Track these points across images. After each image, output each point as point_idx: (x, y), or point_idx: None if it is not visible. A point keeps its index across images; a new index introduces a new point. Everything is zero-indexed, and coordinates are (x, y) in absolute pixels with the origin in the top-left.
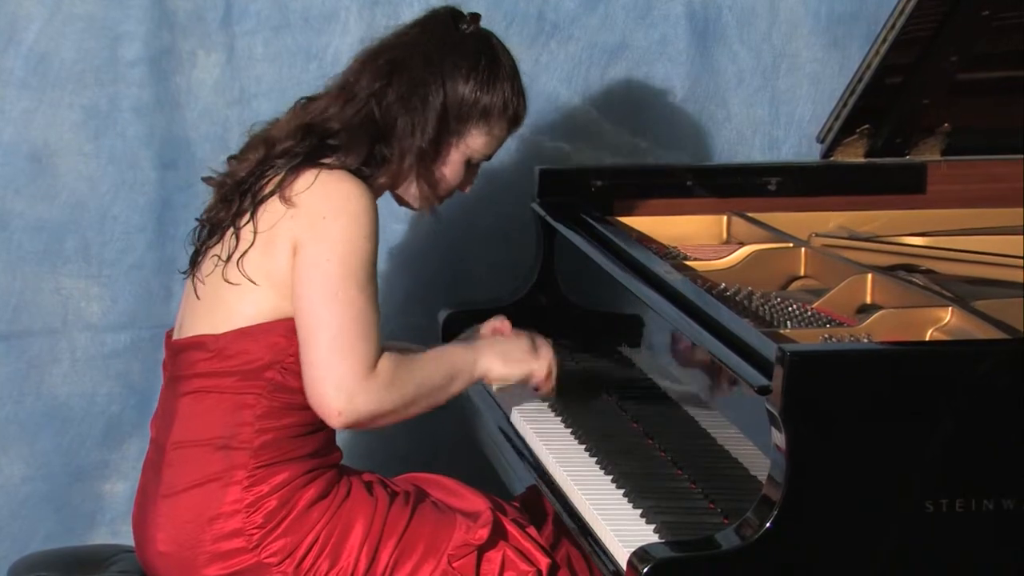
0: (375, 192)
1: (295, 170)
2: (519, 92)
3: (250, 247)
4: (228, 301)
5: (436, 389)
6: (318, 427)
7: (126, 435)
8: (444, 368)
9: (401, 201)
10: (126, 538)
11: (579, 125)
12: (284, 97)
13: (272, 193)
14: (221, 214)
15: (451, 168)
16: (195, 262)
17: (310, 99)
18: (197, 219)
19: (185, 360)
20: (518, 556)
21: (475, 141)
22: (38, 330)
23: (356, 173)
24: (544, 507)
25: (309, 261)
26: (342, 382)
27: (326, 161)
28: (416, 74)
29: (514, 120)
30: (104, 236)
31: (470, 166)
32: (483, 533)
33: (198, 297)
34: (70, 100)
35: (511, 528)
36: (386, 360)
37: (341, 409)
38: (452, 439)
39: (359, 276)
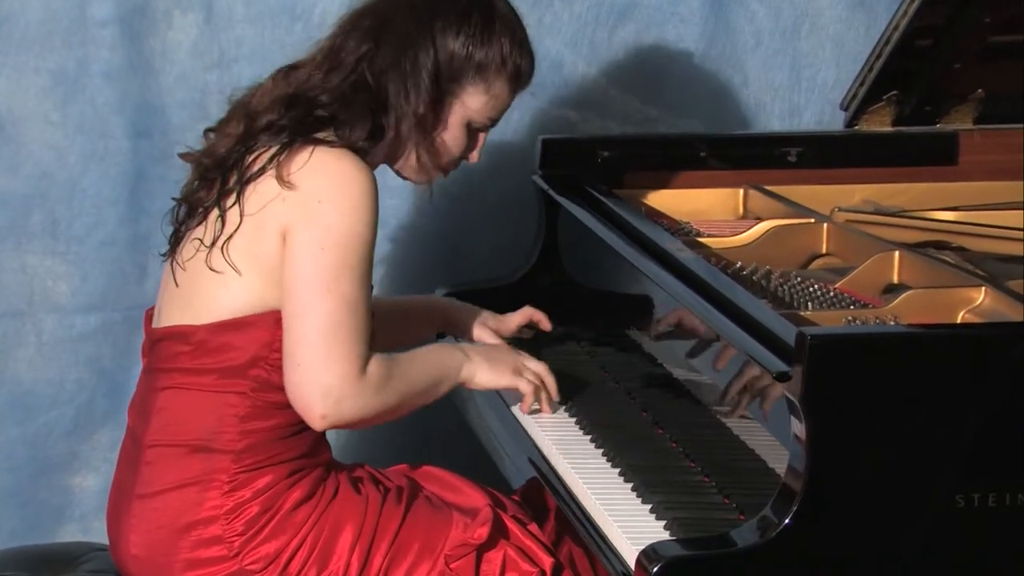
0: (372, 168)
1: (287, 146)
2: (520, 46)
3: (236, 231)
4: (209, 290)
5: (423, 392)
6: (306, 426)
7: (97, 425)
8: (432, 370)
9: (401, 174)
10: (97, 535)
11: (585, 91)
12: (267, 60)
13: (261, 172)
14: (201, 193)
15: (451, 133)
16: (174, 245)
17: (292, 67)
18: (175, 198)
19: (164, 351)
20: (520, 556)
21: (473, 101)
22: (1, 312)
23: (354, 149)
24: (546, 502)
25: (302, 249)
26: (331, 386)
27: (322, 136)
28: (404, 33)
29: (515, 77)
30: (73, 210)
31: (473, 131)
32: (482, 532)
33: (177, 284)
34: (36, 64)
35: (512, 526)
36: (377, 363)
37: (325, 413)
38: (447, 428)
39: (356, 268)
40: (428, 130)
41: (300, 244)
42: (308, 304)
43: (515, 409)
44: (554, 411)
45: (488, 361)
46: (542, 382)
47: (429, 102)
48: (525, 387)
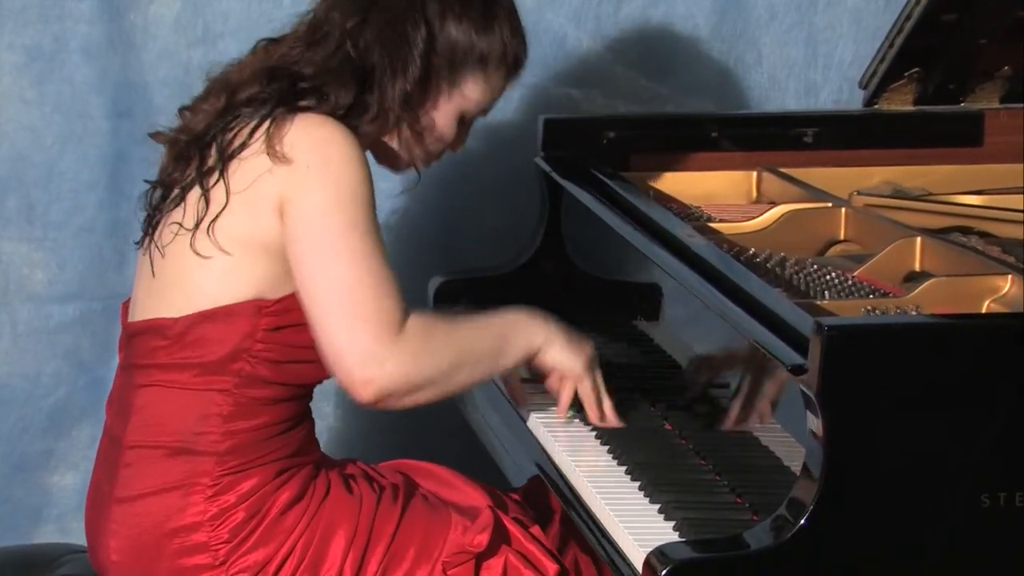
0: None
1: (268, 117)
2: (518, 34)
3: (223, 210)
4: (189, 278)
5: (483, 357)
6: (294, 424)
7: (75, 420)
8: (493, 332)
9: (382, 160)
10: (76, 536)
11: (589, 68)
12: (253, 36)
13: (243, 146)
14: (176, 174)
15: (442, 119)
16: (149, 232)
17: (272, 41)
18: (147, 180)
19: (141, 347)
20: (522, 562)
21: (471, 91)
22: None
23: (339, 119)
24: (550, 503)
25: (302, 219)
26: (368, 347)
27: (304, 104)
28: (392, 7)
29: (514, 67)
30: (50, 194)
31: (463, 122)
32: (482, 539)
33: (154, 274)
34: (10, 40)
35: (513, 529)
36: (417, 318)
37: (371, 377)
38: (444, 422)
39: (362, 223)
40: (415, 112)
41: (297, 216)
42: (324, 273)
43: (516, 404)
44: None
45: (569, 342)
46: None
47: (416, 81)
48: (585, 388)
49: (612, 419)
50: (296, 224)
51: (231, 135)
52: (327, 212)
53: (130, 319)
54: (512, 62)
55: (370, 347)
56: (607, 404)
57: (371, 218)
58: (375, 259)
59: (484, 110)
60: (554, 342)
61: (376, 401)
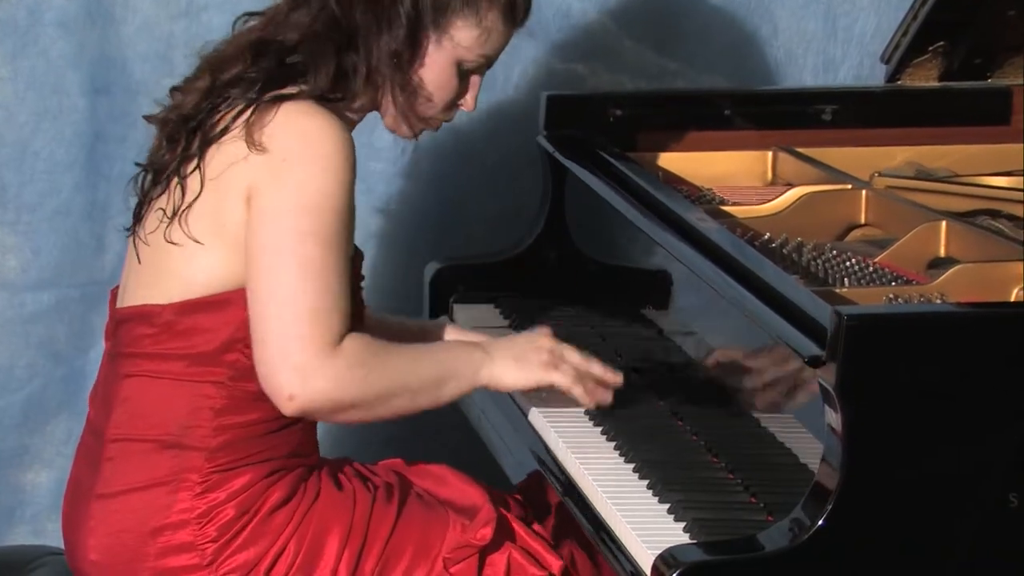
0: (351, 121)
1: (253, 103)
2: None
3: (196, 198)
4: (175, 265)
5: (421, 388)
6: (290, 422)
7: (51, 415)
8: (435, 364)
9: (389, 126)
10: (51, 538)
11: (595, 42)
12: (238, 9)
13: (224, 132)
14: (166, 157)
15: (434, 72)
16: (138, 216)
17: (254, 14)
18: (138, 163)
19: (128, 334)
20: (526, 558)
21: (463, 35)
22: None
23: (326, 100)
24: (547, 497)
25: (265, 212)
26: (297, 359)
27: (289, 91)
28: None
29: (510, 8)
30: (23, 175)
31: (465, 73)
32: (486, 533)
33: (140, 260)
34: None
35: (516, 526)
36: (355, 339)
37: (294, 392)
38: (440, 418)
39: (326, 232)
40: (405, 69)
41: (264, 209)
42: (267, 274)
43: (518, 398)
44: (600, 405)
45: (516, 359)
46: (584, 372)
47: (405, 38)
48: (562, 380)
49: (605, 394)
50: (258, 217)
51: (216, 118)
52: (292, 212)
53: (118, 305)
54: (506, 3)
55: (300, 362)
56: (596, 372)
57: (338, 224)
58: (328, 271)
59: (487, 58)
60: (501, 372)
61: (298, 415)
